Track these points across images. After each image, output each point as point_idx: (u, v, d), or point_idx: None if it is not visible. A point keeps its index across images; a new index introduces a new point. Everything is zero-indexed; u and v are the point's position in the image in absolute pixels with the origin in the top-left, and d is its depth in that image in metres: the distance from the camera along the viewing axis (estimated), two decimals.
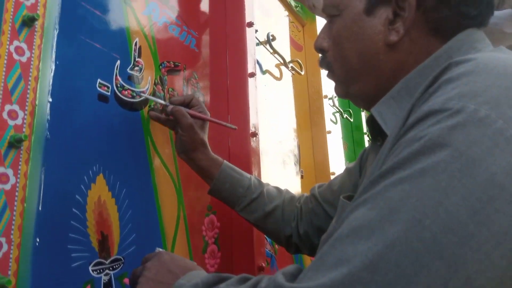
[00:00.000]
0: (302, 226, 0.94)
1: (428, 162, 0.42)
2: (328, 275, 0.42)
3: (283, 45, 1.72)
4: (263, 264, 1.08)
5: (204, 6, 1.24)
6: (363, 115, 2.40)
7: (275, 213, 0.95)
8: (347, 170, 0.91)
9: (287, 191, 1.01)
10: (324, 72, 1.88)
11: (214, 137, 1.16)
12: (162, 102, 0.93)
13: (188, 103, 0.94)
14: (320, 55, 0.73)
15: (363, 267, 0.40)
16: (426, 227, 0.39)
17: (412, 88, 0.59)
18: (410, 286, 0.39)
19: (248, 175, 0.98)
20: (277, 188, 1.01)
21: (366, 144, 2.32)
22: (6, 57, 0.60)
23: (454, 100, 0.44)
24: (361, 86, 0.66)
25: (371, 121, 0.64)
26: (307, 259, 1.53)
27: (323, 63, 0.72)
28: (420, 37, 0.61)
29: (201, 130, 0.93)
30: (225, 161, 0.97)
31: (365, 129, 2.37)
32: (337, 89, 0.72)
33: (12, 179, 0.58)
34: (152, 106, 0.95)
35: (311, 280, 0.43)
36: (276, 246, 1.31)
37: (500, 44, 1.14)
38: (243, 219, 1.11)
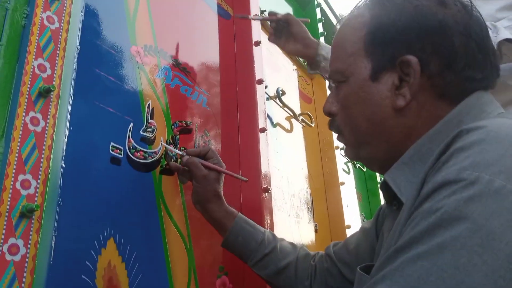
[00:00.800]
0: (316, 285, 0.91)
1: (446, 236, 0.41)
2: None
3: (293, 98, 1.75)
4: None
5: (215, 65, 1.27)
6: None
7: (288, 270, 0.92)
8: (363, 230, 0.89)
9: (302, 248, 0.99)
10: None
11: (226, 192, 1.15)
12: (179, 152, 0.96)
13: (204, 155, 0.96)
14: (329, 118, 0.74)
15: None
16: None
17: (424, 154, 0.59)
18: None
19: (262, 229, 0.96)
20: (292, 244, 0.99)
21: (381, 194, 2.29)
22: (21, 128, 0.62)
23: (468, 170, 0.44)
24: (372, 149, 0.66)
25: (385, 186, 0.63)
26: None
27: (333, 126, 0.73)
28: (427, 101, 0.61)
29: (216, 181, 0.94)
30: (239, 213, 0.96)
31: (378, 178, 2.35)
32: (347, 152, 0.73)
33: (22, 250, 0.58)
34: (164, 166, 0.96)
35: None
36: None
37: (503, 95, 1.14)
38: (256, 279, 1.08)
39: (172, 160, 0.99)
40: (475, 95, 0.59)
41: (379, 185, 0.66)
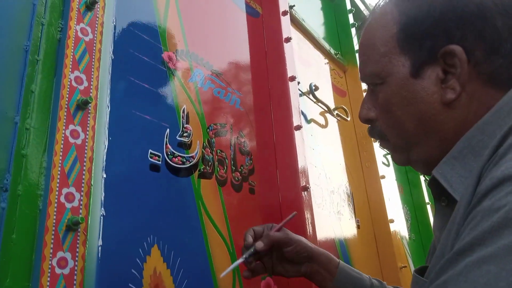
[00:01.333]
0: None
1: None
2: None
3: (326, 92, 1.72)
4: None
5: (246, 65, 1.26)
6: None
7: None
8: None
9: None
10: None
11: (263, 191, 1.14)
12: (240, 260, 0.80)
13: (260, 236, 0.85)
14: (368, 126, 0.70)
15: None
16: None
17: (475, 146, 0.55)
18: None
19: (366, 275, 0.90)
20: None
21: (423, 185, 2.22)
22: (62, 142, 0.63)
23: None
24: (424, 150, 0.62)
25: (434, 182, 0.59)
26: None
27: (374, 133, 0.68)
28: (476, 90, 0.57)
29: (288, 241, 0.85)
30: (340, 260, 0.90)
31: None
32: (395, 157, 0.68)
33: (71, 263, 0.58)
34: (202, 170, 0.95)
35: None
36: None
37: None
38: (301, 281, 1.06)
39: (210, 163, 0.98)
40: None
41: (427, 182, 0.61)
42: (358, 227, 1.57)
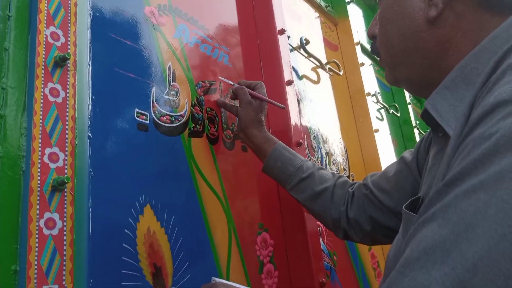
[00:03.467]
0: (353, 211, 0.89)
1: (504, 163, 0.36)
2: None
3: (318, 47, 1.67)
4: (323, 279, 1.03)
5: (233, 20, 1.21)
6: (411, 108, 2.29)
7: (324, 195, 0.92)
8: (403, 159, 0.84)
9: (341, 176, 0.98)
10: (363, 69, 1.81)
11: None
12: (231, 82, 1.03)
13: (253, 87, 1.02)
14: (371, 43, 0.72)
15: None
16: None
17: (469, 74, 0.53)
18: None
19: (302, 158, 0.97)
20: (332, 173, 0.98)
21: (417, 139, 2.21)
22: (42, 101, 0.60)
23: None
24: (407, 69, 0.63)
25: (426, 114, 0.58)
26: (369, 269, 1.46)
27: (373, 50, 0.70)
28: (467, 11, 0.55)
29: (259, 109, 0.99)
30: (280, 141, 0.99)
31: (413, 122, 2.26)
32: (386, 76, 0.70)
33: (59, 223, 0.57)
34: (192, 129, 0.93)
35: None
36: (335, 258, 1.26)
37: None
38: (296, 234, 1.07)
39: (200, 122, 0.96)
40: None
41: (420, 115, 0.62)
42: (352, 180, 1.57)
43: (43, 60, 0.62)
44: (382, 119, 2.02)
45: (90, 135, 0.69)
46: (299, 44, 1.47)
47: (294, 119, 1.18)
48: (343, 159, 1.57)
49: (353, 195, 0.91)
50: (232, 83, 1.03)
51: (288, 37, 1.34)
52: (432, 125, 0.60)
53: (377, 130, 1.72)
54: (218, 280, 0.67)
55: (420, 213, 0.42)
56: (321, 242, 1.17)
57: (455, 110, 0.52)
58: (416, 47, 0.60)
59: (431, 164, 0.61)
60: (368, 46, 2.05)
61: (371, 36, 0.72)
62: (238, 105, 1.01)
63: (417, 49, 0.60)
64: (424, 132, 2.42)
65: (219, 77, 1.05)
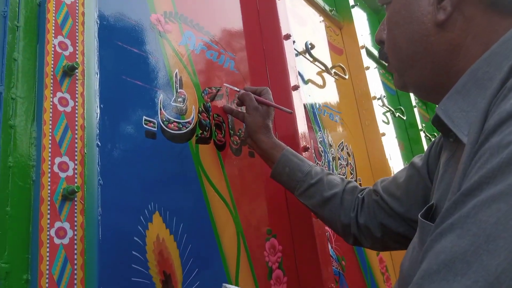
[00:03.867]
0: (363, 218, 0.88)
1: None
2: None
3: (323, 51, 1.67)
4: (332, 285, 1.02)
5: (238, 25, 1.22)
6: (416, 110, 2.29)
7: (334, 200, 0.91)
8: (414, 165, 0.83)
9: (350, 181, 0.97)
10: (369, 73, 1.81)
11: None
12: (236, 89, 1.04)
13: (259, 92, 1.02)
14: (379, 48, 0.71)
15: None
16: None
17: (480, 79, 0.52)
18: None
19: (310, 163, 0.97)
20: (341, 178, 0.97)
21: (424, 141, 2.20)
22: (51, 110, 0.60)
23: None
24: (416, 73, 0.62)
25: (437, 120, 0.57)
26: (378, 274, 1.45)
27: (381, 55, 0.69)
28: (476, 14, 0.54)
29: (266, 114, 0.99)
30: (288, 147, 0.99)
31: (420, 125, 2.25)
32: (394, 81, 0.69)
33: (70, 233, 0.57)
34: (199, 135, 0.93)
35: None
36: (343, 263, 1.25)
37: None
38: (305, 239, 1.06)
39: (207, 128, 0.96)
40: None
41: (431, 121, 0.61)
42: (360, 185, 1.57)
43: (52, 69, 0.63)
44: (388, 123, 2.02)
45: (99, 143, 0.70)
46: (304, 48, 1.48)
47: (300, 124, 1.18)
48: (350, 163, 1.57)
49: (363, 201, 0.90)
50: (238, 89, 1.04)
51: (294, 41, 1.35)
52: (443, 130, 0.59)
53: (383, 134, 1.72)
54: (228, 286, 0.67)
55: (437, 224, 0.41)
56: (330, 247, 1.16)
57: (467, 116, 0.52)
58: (425, 51, 0.59)
59: (443, 171, 0.60)
60: (373, 50, 2.05)
61: (379, 41, 0.71)
62: (244, 111, 1.01)
63: (426, 53, 0.59)
64: (431, 135, 2.41)
65: (225, 84, 1.05)
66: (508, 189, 0.36)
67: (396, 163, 1.82)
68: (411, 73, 0.63)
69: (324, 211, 0.92)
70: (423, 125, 2.36)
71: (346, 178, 1.22)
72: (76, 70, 0.65)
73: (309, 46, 1.46)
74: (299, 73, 1.38)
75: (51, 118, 0.60)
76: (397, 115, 2.10)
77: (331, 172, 0.98)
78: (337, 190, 0.92)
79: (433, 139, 2.38)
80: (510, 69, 0.43)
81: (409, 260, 0.55)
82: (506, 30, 0.52)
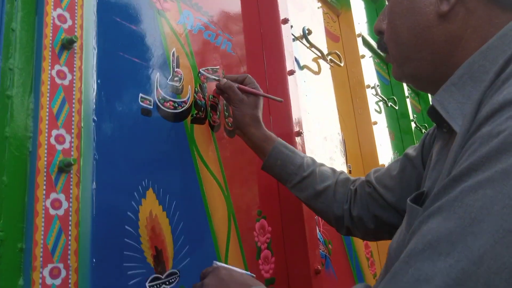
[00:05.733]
0: (356, 210, 0.89)
1: (511, 161, 0.37)
2: None
3: (319, 38, 1.68)
4: (319, 266, 1.05)
5: (237, 8, 1.21)
6: (409, 101, 2.31)
7: (327, 193, 0.92)
8: (408, 156, 0.85)
9: (342, 173, 0.98)
10: (364, 61, 1.81)
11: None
12: (216, 78, 0.99)
13: (241, 81, 0.97)
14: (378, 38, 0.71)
15: None
16: None
17: (476, 72, 0.54)
18: None
19: (302, 154, 0.96)
20: (332, 169, 0.98)
21: (414, 132, 2.23)
22: (49, 82, 0.60)
23: None
24: (416, 64, 0.62)
25: (433, 111, 0.59)
26: (363, 258, 1.48)
27: (380, 46, 0.69)
28: (478, 7, 0.55)
29: (254, 106, 0.95)
30: (279, 138, 0.97)
31: (411, 116, 2.28)
32: (393, 72, 0.69)
33: (65, 204, 0.58)
34: (194, 115, 0.94)
35: None
36: (330, 246, 1.28)
37: None
38: (294, 221, 1.08)
39: (202, 109, 0.97)
40: None
41: (426, 111, 0.62)
42: (349, 172, 1.59)
43: (50, 42, 0.62)
44: (380, 112, 2.04)
45: (95, 118, 0.70)
46: (301, 34, 1.48)
47: (294, 109, 1.19)
48: (341, 150, 1.59)
49: (355, 193, 0.91)
50: (217, 78, 0.98)
51: (291, 26, 1.35)
52: (438, 121, 0.61)
53: (375, 123, 1.74)
54: (219, 264, 0.69)
55: (426, 207, 0.43)
56: (317, 230, 1.19)
57: (462, 108, 0.53)
58: (427, 42, 0.60)
59: (436, 160, 0.62)
60: (369, 39, 2.06)
61: (378, 32, 0.71)
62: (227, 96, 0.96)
63: (427, 44, 0.60)
64: (421, 126, 2.44)
65: (200, 70, 0.98)
66: (495, 176, 0.37)
67: (386, 152, 1.85)
68: (411, 64, 0.64)
69: (317, 203, 0.92)
70: (415, 116, 2.38)
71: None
72: (75, 44, 0.65)
73: (306, 32, 1.46)
74: (295, 59, 1.39)
75: (48, 91, 0.60)
76: (389, 105, 2.12)
77: (322, 163, 0.98)
78: (329, 183, 0.93)
79: (424, 130, 2.40)
80: (505, 62, 0.45)
81: (397, 242, 0.57)
82: (505, 24, 0.53)
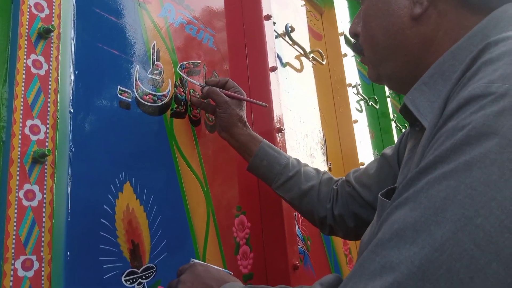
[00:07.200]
0: (338, 209, 0.91)
1: (474, 153, 0.38)
2: (371, 284, 0.38)
3: (302, 35, 1.68)
4: (297, 262, 1.05)
5: (220, 2, 1.21)
6: (389, 101, 2.34)
7: (311, 193, 0.93)
8: (385, 156, 0.87)
9: (325, 173, 0.99)
10: (346, 60, 1.83)
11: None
12: (197, 83, 0.97)
13: (223, 85, 0.97)
14: (354, 41, 0.72)
15: (410, 275, 0.37)
16: (478, 226, 0.36)
17: (446, 71, 0.55)
18: None
19: (287, 155, 0.97)
20: (316, 169, 0.99)
21: (394, 132, 2.26)
22: (24, 72, 0.59)
23: (497, 83, 0.40)
24: (390, 65, 0.64)
25: (405, 109, 0.60)
26: (341, 255, 1.50)
27: (355, 48, 0.71)
28: (449, 10, 0.57)
29: (238, 107, 0.95)
30: (264, 139, 0.98)
31: (391, 115, 2.31)
32: (369, 73, 0.71)
33: (39, 195, 0.57)
34: (174, 109, 0.93)
35: None
36: (308, 243, 1.29)
37: None
38: (273, 218, 1.09)
39: (182, 103, 0.96)
40: (503, 8, 0.54)
41: (399, 109, 0.64)
42: (329, 169, 1.60)
43: (27, 31, 0.61)
44: (361, 111, 2.06)
45: (72, 110, 0.69)
46: (284, 31, 1.48)
47: (276, 105, 1.19)
48: (322, 147, 1.60)
49: (337, 193, 0.93)
50: (199, 84, 0.97)
51: (274, 23, 1.35)
52: (410, 119, 0.62)
53: (356, 121, 1.76)
54: (196, 261, 0.69)
55: (394, 198, 0.44)
56: (297, 227, 1.20)
57: (432, 106, 0.55)
58: (401, 43, 0.61)
59: (408, 157, 0.64)
60: (352, 38, 2.07)
61: (353, 35, 0.72)
62: (213, 100, 0.96)
63: (401, 46, 0.61)
64: (401, 125, 2.48)
65: (184, 76, 0.97)
66: (458, 167, 0.38)
67: (365, 150, 1.87)
68: (385, 65, 0.65)
69: (301, 204, 0.94)
70: (395, 115, 2.41)
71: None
72: (52, 33, 0.64)
73: (289, 29, 1.47)
74: (278, 56, 1.39)
75: (23, 80, 0.59)
76: (370, 104, 2.14)
77: (307, 164, 1.00)
78: (314, 183, 0.94)
79: (403, 130, 2.44)
80: (471, 61, 0.46)
81: (368, 235, 0.58)
82: (474, 26, 0.55)
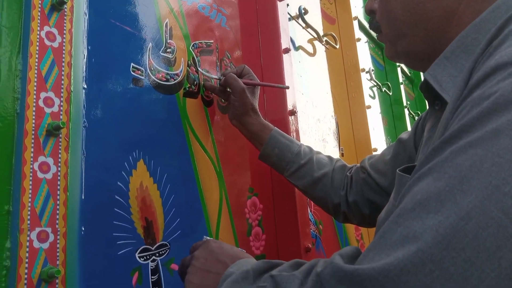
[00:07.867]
0: (352, 196, 0.90)
1: (502, 121, 0.37)
2: (394, 254, 0.37)
3: (315, 19, 1.66)
4: (309, 245, 1.05)
5: None
6: (402, 88, 2.30)
7: (324, 180, 0.92)
8: (400, 141, 0.86)
9: (338, 160, 0.98)
10: (359, 45, 1.80)
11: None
12: (215, 77, 0.98)
13: (239, 74, 0.96)
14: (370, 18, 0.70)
15: (435, 244, 0.35)
16: (506, 194, 0.34)
17: (469, 45, 0.53)
18: (492, 262, 0.34)
19: (298, 143, 0.96)
20: (329, 157, 0.98)
21: (407, 119, 2.23)
22: (38, 43, 0.58)
23: None
24: (409, 41, 0.62)
25: (425, 85, 0.58)
26: (353, 241, 1.49)
27: (372, 25, 0.68)
28: None
29: (252, 95, 0.95)
30: (275, 127, 0.97)
31: (405, 102, 2.27)
32: (386, 51, 0.69)
33: (53, 168, 0.56)
34: (187, 89, 0.92)
35: (373, 261, 0.38)
36: (320, 227, 1.28)
37: None
38: (285, 200, 1.08)
39: (195, 82, 0.95)
40: None
41: (418, 86, 0.62)
42: (342, 155, 1.59)
43: (40, 1, 0.60)
44: (374, 97, 2.03)
45: (85, 85, 0.68)
46: (297, 13, 1.46)
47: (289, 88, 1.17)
48: (334, 132, 1.58)
49: (351, 179, 0.92)
50: (217, 77, 0.97)
51: (287, 5, 1.33)
52: (430, 97, 0.60)
53: (369, 107, 1.73)
54: (209, 238, 0.68)
55: (416, 170, 0.43)
56: (309, 210, 1.19)
57: (455, 80, 0.53)
58: (420, 17, 0.59)
59: (427, 137, 0.62)
60: (365, 22, 2.04)
61: (369, 11, 0.70)
62: (230, 91, 0.95)
63: (420, 20, 0.59)
64: (414, 113, 2.44)
65: (201, 70, 0.96)
66: (485, 135, 0.37)
67: (378, 137, 1.84)
68: (404, 42, 0.63)
69: (315, 191, 0.93)
70: (408, 102, 2.38)
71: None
72: (65, 5, 0.63)
73: (303, 11, 1.44)
74: (291, 39, 1.37)
75: (37, 52, 0.58)
76: (383, 90, 2.12)
77: (319, 151, 0.98)
78: (327, 170, 0.93)
79: (416, 117, 2.40)
80: (497, 30, 0.44)
81: (385, 212, 0.57)
82: None
